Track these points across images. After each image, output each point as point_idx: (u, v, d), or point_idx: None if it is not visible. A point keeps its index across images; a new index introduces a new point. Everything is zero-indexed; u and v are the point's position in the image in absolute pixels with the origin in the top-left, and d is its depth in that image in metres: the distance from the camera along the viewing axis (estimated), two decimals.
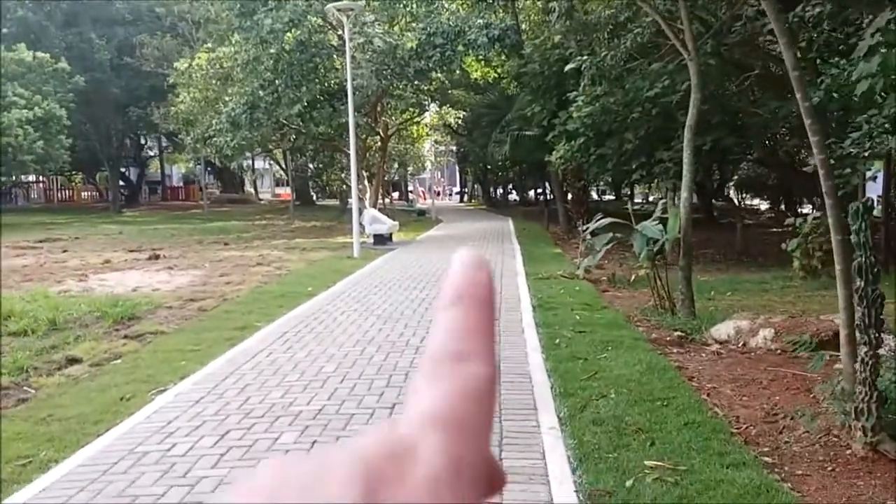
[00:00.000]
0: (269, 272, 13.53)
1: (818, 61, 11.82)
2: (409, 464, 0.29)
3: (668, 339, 8.09)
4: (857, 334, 4.64)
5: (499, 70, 25.03)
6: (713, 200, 30.10)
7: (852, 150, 9.17)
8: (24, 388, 6.33)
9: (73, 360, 7.16)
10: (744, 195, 34.71)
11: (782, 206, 29.26)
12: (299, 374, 6.35)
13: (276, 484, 0.28)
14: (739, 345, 7.57)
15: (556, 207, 24.93)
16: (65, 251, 17.84)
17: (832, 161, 7.32)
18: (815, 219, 11.79)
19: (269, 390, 5.87)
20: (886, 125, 8.52)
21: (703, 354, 7.32)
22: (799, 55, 8.55)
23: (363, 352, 7.14)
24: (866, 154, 9.25)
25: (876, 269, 4.57)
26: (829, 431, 4.91)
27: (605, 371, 6.47)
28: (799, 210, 24.52)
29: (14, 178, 34.12)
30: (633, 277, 9.96)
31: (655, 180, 19.14)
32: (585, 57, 14.63)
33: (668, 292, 9.52)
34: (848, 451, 4.62)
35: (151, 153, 51.32)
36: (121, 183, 44.60)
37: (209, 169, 46.85)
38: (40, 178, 50.66)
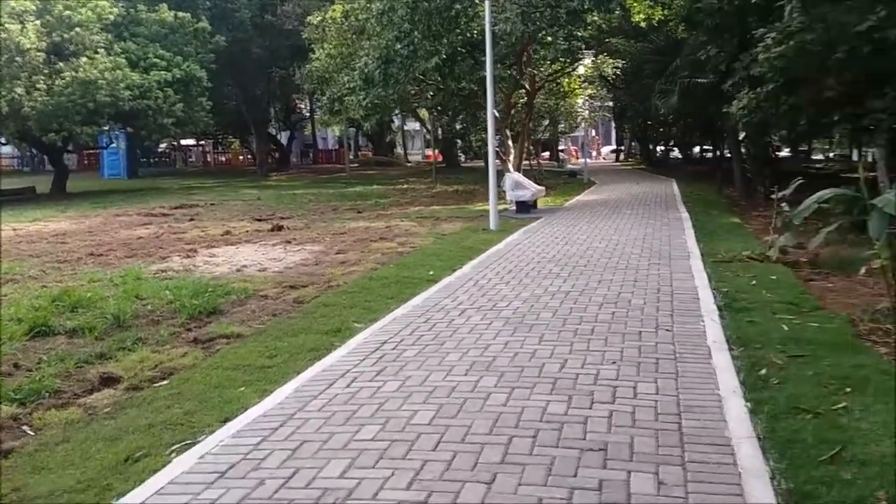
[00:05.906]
0: (391, 249, 11.74)
1: None
2: None
3: None
4: None
5: (665, 11, 21.83)
6: None
7: None
8: (24, 426, 4.77)
9: (109, 380, 5.58)
10: None
11: None
12: (379, 427, 4.38)
13: None
14: None
15: (732, 168, 21.60)
16: (191, 219, 16.96)
17: None
18: None
19: (327, 460, 3.94)
20: None
21: None
22: None
23: (476, 385, 5.06)
24: None
25: None
26: None
27: (856, 442, 4.03)
28: None
29: (168, 141, 34.34)
30: (862, 270, 7.23)
31: (863, 136, 15.73)
32: None
33: None
34: None
35: (306, 115, 51.08)
36: (272, 146, 44.63)
37: (361, 131, 46.03)
38: (200, 141, 52.07)
